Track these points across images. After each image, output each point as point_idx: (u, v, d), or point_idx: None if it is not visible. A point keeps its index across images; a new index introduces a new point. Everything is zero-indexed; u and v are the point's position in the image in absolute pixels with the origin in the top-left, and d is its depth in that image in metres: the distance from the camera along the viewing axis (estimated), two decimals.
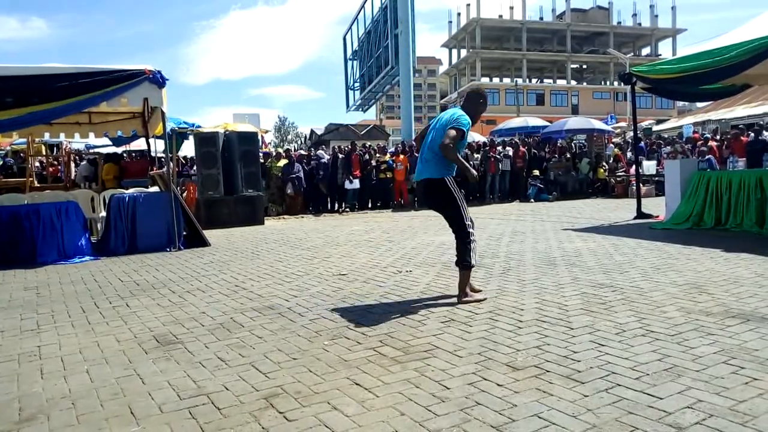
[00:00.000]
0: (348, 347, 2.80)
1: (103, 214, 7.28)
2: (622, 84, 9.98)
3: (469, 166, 3.53)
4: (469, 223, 3.57)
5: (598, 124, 16.65)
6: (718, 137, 14.50)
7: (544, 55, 51.58)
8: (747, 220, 6.34)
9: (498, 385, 2.24)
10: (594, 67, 54.57)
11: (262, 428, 1.96)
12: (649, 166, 13.04)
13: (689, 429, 1.81)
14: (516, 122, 19.86)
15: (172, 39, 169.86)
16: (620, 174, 14.02)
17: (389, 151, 14.45)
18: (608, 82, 52.17)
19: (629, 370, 2.33)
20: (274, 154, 13.32)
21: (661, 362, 2.40)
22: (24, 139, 10.67)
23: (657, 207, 8.60)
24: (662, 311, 3.20)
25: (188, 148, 12.93)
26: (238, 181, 9.94)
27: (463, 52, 52.20)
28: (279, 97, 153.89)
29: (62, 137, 9.63)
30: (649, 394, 2.08)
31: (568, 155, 15.17)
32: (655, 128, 23.09)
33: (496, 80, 53.14)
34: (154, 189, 7.62)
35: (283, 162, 12.26)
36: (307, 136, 34.63)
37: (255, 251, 6.55)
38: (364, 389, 2.26)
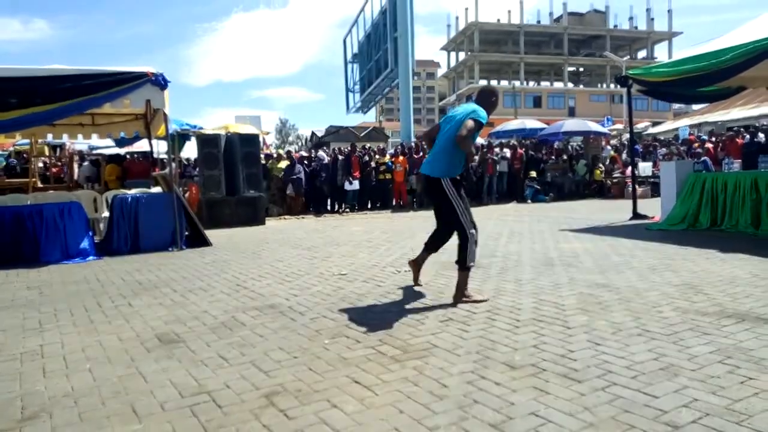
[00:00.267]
0: (348, 346, 2.83)
1: (106, 214, 7.30)
2: (619, 86, 10.01)
3: (471, 155, 3.56)
4: (469, 224, 3.59)
5: (595, 127, 16.73)
6: (713, 139, 14.56)
7: (542, 58, 51.70)
8: (742, 221, 6.38)
9: (496, 383, 2.26)
10: (591, 70, 54.69)
11: (263, 426, 1.98)
12: (644, 168, 13.11)
13: (685, 428, 1.83)
14: (513, 124, 19.91)
15: (173, 40, 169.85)
16: (616, 175, 14.08)
17: (389, 152, 14.48)
18: (605, 85, 52.30)
19: (625, 369, 2.35)
20: (275, 155, 13.35)
21: (657, 361, 2.43)
22: (27, 140, 10.69)
23: (653, 208, 8.63)
24: (658, 311, 3.23)
25: (190, 150, 12.95)
26: (240, 182, 9.97)
27: (462, 56, 52.33)
28: (280, 99, 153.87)
29: (65, 138, 9.64)
30: (645, 393, 2.10)
31: (565, 157, 15.23)
32: (651, 130, 23.18)
33: (494, 83, 53.14)
34: (157, 190, 7.64)
35: (284, 163, 12.29)
36: (308, 138, 34.64)
37: (256, 251, 6.57)
38: (363, 387, 2.28)
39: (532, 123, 19.56)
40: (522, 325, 3.06)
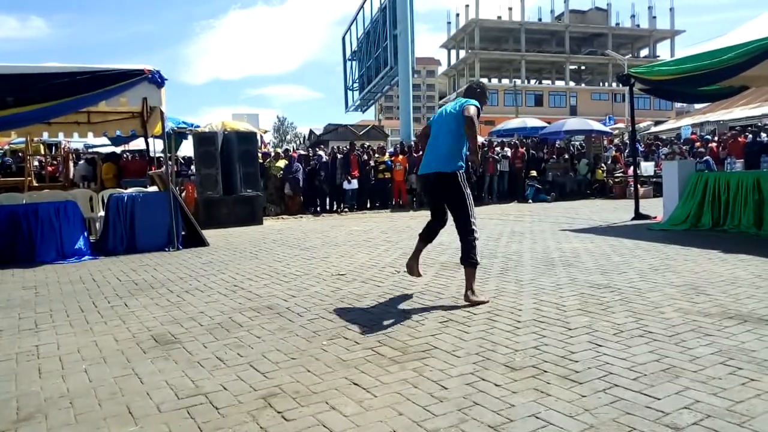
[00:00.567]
0: (346, 347, 2.80)
1: (102, 213, 7.28)
2: (621, 85, 10.01)
3: (476, 149, 3.57)
4: (474, 221, 3.58)
5: (597, 125, 16.68)
6: (716, 138, 14.55)
7: (543, 56, 51.66)
8: (745, 221, 6.36)
9: (496, 385, 2.24)
10: (592, 69, 54.66)
11: (261, 428, 1.96)
12: (647, 167, 13.08)
13: (686, 429, 1.82)
14: (514, 123, 19.87)
15: (171, 39, 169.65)
16: (618, 175, 14.05)
17: (388, 151, 14.45)
18: (606, 84, 52.26)
19: (627, 370, 2.33)
20: (272, 154, 13.32)
21: (658, 363, 2.41)
22: (22, 139, 10.66)
23: (655, 208, 8.62)
24: (660, 312, 3.21)
25: (187, 148, 12.92)
26: (237, 181, 9.94)
27: (462, 53, 52.26)
28: (278, 97, 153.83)
29: (61, 137, 9.60)
30: (646, 395, 2.08)
31: (567, 156, 15.20)
32: (653, 129, 23.16)
33: (494, 81, 53.19)
34: (153, 189, 7.61)
35: (282, 162, 12.26)
36: (306, 136, 34.66)
37: (253, 251, 6.55)
38: (362, 389, 2.26)
39: (533, 122, 19.52)
40: (523, 326, 3.03)
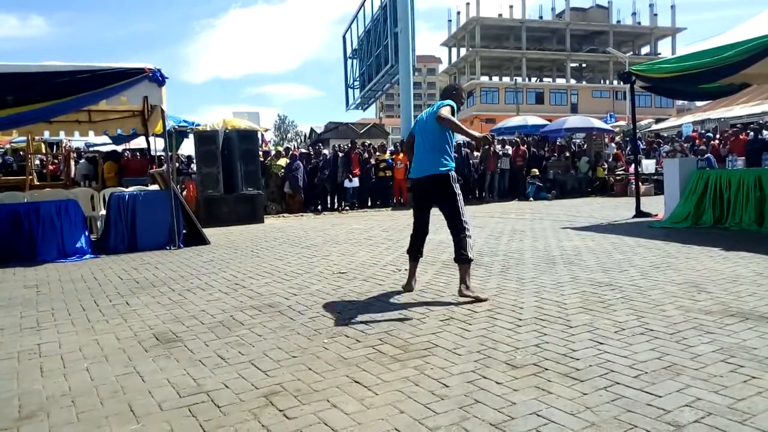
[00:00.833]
0: (347, 345, 2.81)
1: (103, 212, 7.28)
2: (622, 83, 10.00)
3: (472, 132, 3.66)
4: (465, 219, 3.67)
5: (598, 123, 16.65)
6: (717, 136, 14.53)
7: (544, 54, 51.55)
8: (746, 219, 6.35)
9: (497, 383, 2.24)
10: (593, 66, 54.53)
11: (262, 426, 1.96)
12: (648, 165, 13.06)
13: (688, 427, 1.81)
14: (515, 121, 19.84)
15: (171, 37, 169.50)
16: (619, 173, 14.04)
17: (389, 149, 14.44)
18: (607, 81, 52.15)
19: (628, 368, 2.33)
20: (273, 152, 13.32)
21: (660, 360, 2.41)
22: (24, 137, 10.66)
23: (656, 206, 8.61)
24: (661, 310, 3.21)
25: (188, 147, 12.92)
26: (238, 180, 9.94)
27: (463, 51, 52.14)
28: (278, 95, 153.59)
29: (62, 135, 9.61)
30: (647, 393, 2.08)
31: (568, 154, 15.18)
32: (655, 127, 23.13)
33: (495, 79, 53.13)
34: (154, 187, 7.62)
35: (283, 161, 12.26)
36: (307, 135, 34.64)
37: (255, 249, 6.55)
38: (363, 387, 2.26)
39: (534, 119, 19.48)
40: (524, 324, 3.03)
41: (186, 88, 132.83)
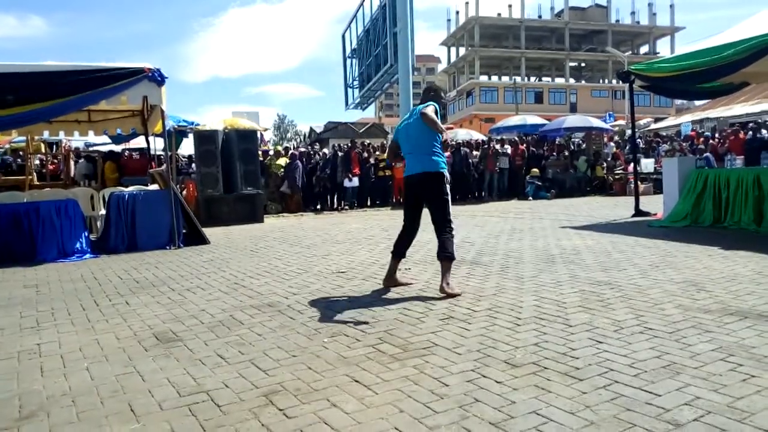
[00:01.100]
0: (347, 344, 2.81)
1: (103, 212, 7.28)
2: (621, 82, 10.00)
3: (445, 135, 3.80)
4: (451, 218, 3.79)
5: (597, 122, 16.67)
6: (716, 135, 14.54)
7: (543, 54, 51.54)
8: (745, 218, 6.36)
9: (497, 382, 2.24)
10: (592, 66, 54.53)
11: (262, 425, 1.96)
12: (647, 164, 13.07)
13: (687, 426, 1.82)
14: (514, 120, 19.87)
15: (170, 37, 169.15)
16: (618, 172, 14.05)
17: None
18: (606, 81, 52.15)
19: (627, 367, 2.33)
20: (272, 152, 13.31)
21: (659, 359, 2.41)
22: (23, 137, 10.64)
23: (655, 205, 8.61)
24: (660, 308, 3.21)
25: (188, 146, 12.91)
26: (238, 179, 9.94)
27: (462, 51, 52.14)
28: (278, 95, 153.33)
29: (62, 135, 9.59)
30: (647, 391, 2.08)
31: (567, 153, 15.19)
32: (654, 126, 23.14)
33: (494, 78, 53.11)
34: (154, 187, 7.62)
35: (283, 160, 12.26)
36: (307, 134, 34.64)
37: (254, 249, 6.55)
38: (363, 386, 2.26)
39: (533, 119, 19.52)
40: (523, 323, 3.04)
41: (185, 87, 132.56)
